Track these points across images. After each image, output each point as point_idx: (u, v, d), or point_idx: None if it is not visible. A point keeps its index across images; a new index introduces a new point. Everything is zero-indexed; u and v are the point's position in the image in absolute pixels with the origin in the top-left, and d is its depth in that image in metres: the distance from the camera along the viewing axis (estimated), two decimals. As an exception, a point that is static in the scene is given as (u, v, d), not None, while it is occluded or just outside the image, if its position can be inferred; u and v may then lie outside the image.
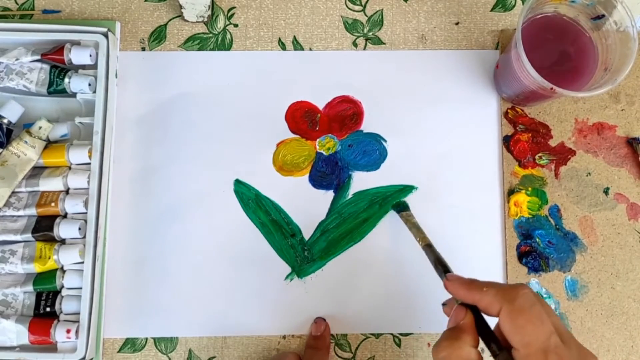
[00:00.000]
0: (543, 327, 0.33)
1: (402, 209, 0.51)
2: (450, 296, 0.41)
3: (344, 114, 0.54)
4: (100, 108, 0.50)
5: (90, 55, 0.51)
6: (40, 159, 0.50)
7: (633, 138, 0.54)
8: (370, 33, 0.55)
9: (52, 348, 0.48)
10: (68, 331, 0.47)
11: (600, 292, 0.52)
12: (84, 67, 0.52)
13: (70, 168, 0.50)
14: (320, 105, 0.54)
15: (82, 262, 0.48)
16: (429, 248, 0.45)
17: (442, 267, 0.42)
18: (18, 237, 0.48)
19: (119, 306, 0.51)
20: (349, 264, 0.52)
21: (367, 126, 0.54)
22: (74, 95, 0.51)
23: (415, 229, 0.48)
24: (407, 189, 0.53)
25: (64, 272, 0.49)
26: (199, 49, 0.54)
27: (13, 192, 0.49)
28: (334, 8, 0.55)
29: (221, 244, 0.52)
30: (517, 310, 0.33)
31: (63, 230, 0.48)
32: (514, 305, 0.34)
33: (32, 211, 0.49)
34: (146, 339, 0.51)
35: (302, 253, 0.52)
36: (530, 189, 0.53)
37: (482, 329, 0.36)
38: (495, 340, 0.35)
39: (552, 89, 0.43)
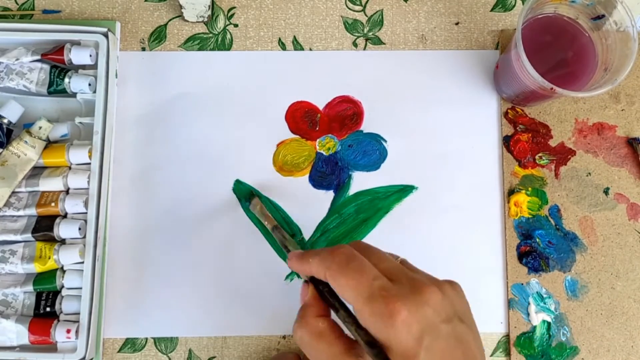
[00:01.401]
0: (362, 278, 0.32)
1: (250, 197, 0.50)
2: None
3: (344, 114, 0.54)
4: (100, 108, 0.50)
5: (90, 55, 0.51)
6: (40, 159, 0.50)
7: (633, 138, 0.54)
8: (370, 33, 0.55)
9: (52, 348, 0.48)
10: (68, 331, 0.47)
11: (600, 292, 0.52)
12: (84, 67, 0.52)
13: (70, 168, 0.50)
14: (320, 105, 0.54)
15: (82, 262, 0.48)
16: (277, 230, 0.45)
17: (287, 248, 0.43)
18: (18, 237, 0.48)
19: (119, 306, 0.51)
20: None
21: (367, 126, 0.54)
22: (74, 95, 0.51)
23: (263, 215, 0.48)
24: (407, 189, 0.53)
25: (64, 272, 0.49)
26: (199, 49, 0.54)
27: (13, 192, 0.49)
28: (334, 8, 0.55)
29: (221, 244, 0.52)
30: (336, 271, 0.33)
31: (63, 230, 0.48)
32: (332, 267, 0.33)
33: (32, 211, 0.49)
34: (146, 339, 0.51)
35: (302, 253, 0.52)
36: (530, 189, 0.53)
37: (333, 296, 0.36)
38: (342, 305, 0.35)
39: (552, 89, 0.43)
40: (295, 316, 0.51)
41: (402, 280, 0.32)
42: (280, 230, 0.45)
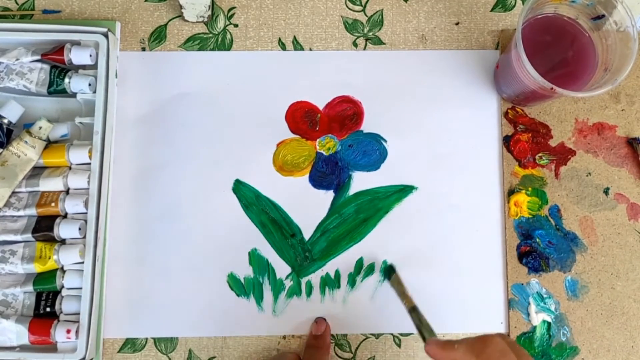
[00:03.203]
0: None
1: (390, 274, 0.50)
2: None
3: (344, 114, 0.54)
4: (100, 108, 0.50)
5: (91, 55, 0.51)
6: (40, 159, 0.50)
7: (633, 138, 0.54)
8: (370, 33, 0.55)
9: (52, 348, 0.48)
10: (68, 331, 0.47)
11: (600, 292, 0.52)
12: (84, 67, 0.52)
13: (70, 168, 0.50)
14: (320, 105, 0.54)
15: (82, 262, 0.48)
16: (414, 312, 0.45)
17: (422, 333, 0.43)
18: (18, 237, 0.48)
19: (119, 306, 0.51)
20: (349, 263, 0.52)
21: (367, 126, 0.54)
22: (74, 95, 0.51)
23: (402, 294, 0.47)
24: (407, 189, 0.53)
25: (64, 272, 0.49)
26: (199, 49, 0.54)
27: (13, 192, 0.49)
28: (334, 8, 0.55)
29: (221, 244, 0.52)
30: None
31: (63, 230, 0.48)
32: (481, 357, 0.35)
33: (32, 211, 0.49)
34: (146, 339, 0.51)
35: (302, 253, 0.52)
36: (530, 189, 0.53)
37: None
38: None
39: (552, 89, 0.43)
40: (294, 315, 0.51)
41: None
42: (417, 313, 0.44)
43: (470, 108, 0.54)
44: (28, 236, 0.48)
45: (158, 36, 0.55)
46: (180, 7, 0.52)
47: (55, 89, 0.50)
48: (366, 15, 0.55)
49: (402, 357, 0.51)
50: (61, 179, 0.49)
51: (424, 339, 0.42)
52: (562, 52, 0.49)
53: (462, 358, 0.36)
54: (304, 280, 0.52)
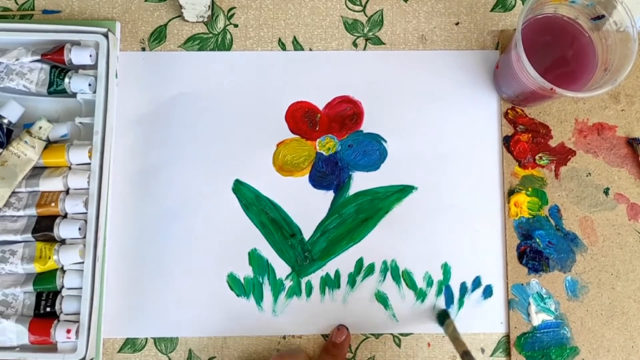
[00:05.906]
0: None
1: (444, 319, 0.50)
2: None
3: (344, 114, 0.54)
4: (100, 108, 0.50)
5: (91, 56, 0.51)
6: (40, 159, 0.50)
7: (633, 138, 0.54)
8: (370, 33, 0.55)
9: (52, 348, 0.48)
10: (68, 331, 0.47)
11: (600, 293, 0.52)
12: (84, 67, 0.52)
13: (70, 168, 0.50)
14: (320, 105, 0.54)
15: (82, 262, 0.48)
16: (466, 355, 0.44)
17: None
18: (18, 237, 0.48)
19: (119, 306, 0.51)
20: (348, 263, 0.52)
21: (367, 126, 0.54)
22: (74, 95, 0.51)
23: (454, 338, 0.47)
24: (407, 189, 0.53)
25: (64, 272, 0.49)
26: (199, 49, 0.54)
27: (13, 192, 0.49)
28: (334, 8, 0.55)
29: (221, 244, 0.52)
30: None
31: (63, 230, 0.48)
32: None
33: (32, 211, 0.49)
34: (146, 339, 0.51)
35: (302, 253, 0.52)
36: (530, 189, 0.53)
37: None
38: None
39: (552, 89, 0.43)
40: (295, 315, 0.51)
41: None
42: (470, 357, 0.44)
43: (470, 108, 0.54)
44: (28, 236, 0.48)
45: (158, 36, 0.55)
46: (180, 7, 0.52)
47: (55, 89, 0.51)
48: (366, 15, 0.55)
49: (402, 357, 0.51)
50: (61, 179, 0.49)
51: None
52: (562, 52, 0.49)
53: None
54: (304, 280, 0.52)
